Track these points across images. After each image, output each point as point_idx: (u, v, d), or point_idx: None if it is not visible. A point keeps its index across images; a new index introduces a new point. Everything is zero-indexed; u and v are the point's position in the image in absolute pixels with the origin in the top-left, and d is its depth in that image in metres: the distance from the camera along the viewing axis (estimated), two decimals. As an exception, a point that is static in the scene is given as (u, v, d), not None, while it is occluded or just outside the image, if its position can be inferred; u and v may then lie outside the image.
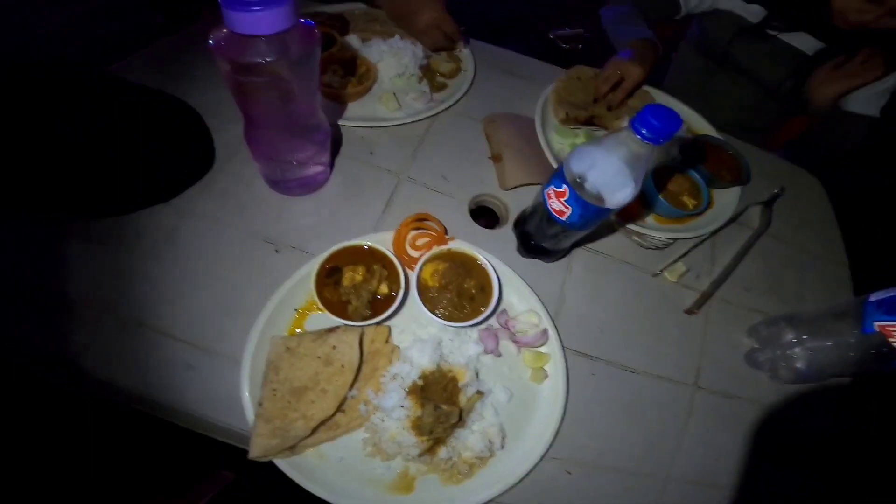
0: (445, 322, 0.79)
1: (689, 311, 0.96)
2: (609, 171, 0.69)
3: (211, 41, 0.63)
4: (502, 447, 0.78)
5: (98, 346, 0.74)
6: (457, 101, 1.11)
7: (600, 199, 0.71)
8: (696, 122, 1.21)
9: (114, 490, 1.05)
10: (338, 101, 1.04)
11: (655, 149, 0.65)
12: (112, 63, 1.02)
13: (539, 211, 0.84)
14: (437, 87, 1.11)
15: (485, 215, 1.04)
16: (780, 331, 0.93)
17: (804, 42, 1.27)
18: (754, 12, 1.30)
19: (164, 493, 1.18)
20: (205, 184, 0.92)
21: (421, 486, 0.74)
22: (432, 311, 0.79)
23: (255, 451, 0.68)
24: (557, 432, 0.79)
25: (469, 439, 0.76)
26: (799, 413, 0.93)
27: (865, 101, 1.26)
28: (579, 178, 0.72)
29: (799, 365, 0.89)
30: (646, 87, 1.21)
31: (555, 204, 0.78)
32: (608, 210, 0.73)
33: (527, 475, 0.76)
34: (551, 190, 0.78)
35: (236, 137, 0.83)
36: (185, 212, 0.88)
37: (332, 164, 0.97)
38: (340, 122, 1.02)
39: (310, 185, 0.93)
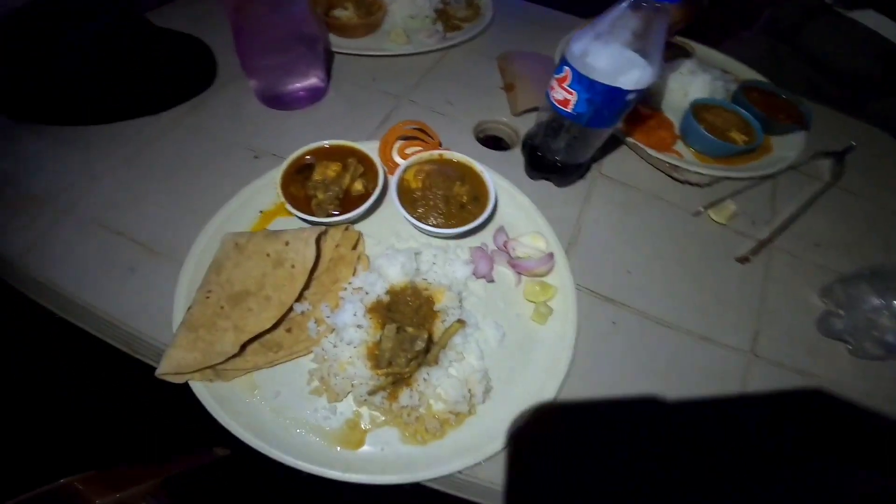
0: (425, 225, 0.59)
1: (743, 259, 0.71)
2: (615, 44, 0.53)
3: None
4: (484, 401, 0.54)
5: (45, 245, 0.63)
6: (471, 39, 0.98)
7: (609, 76, 0.53)
8: (745, 74, 0.98)
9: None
10: (345, 35, 0.92)
11: (668, 13, 0.50)
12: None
13: (545, 118, 0.65)
14: (451, 29, 0.98)
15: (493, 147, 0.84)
16: (863, 293, 0.66)
17: (885, 26, 1.02)
18: None
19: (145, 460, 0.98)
20: (198, 101, 0.82)
21: (374, 441, 0.51)
22: (411, 215, 0.59)
23: (166, 365, 0.51)
24: (559, 391, 0.55)
25: (443, 384, 0.53)
26: (887, 397, 0.63)
27: None
28: (581, 54, 0.55)
29: (889, 338, 0.62)
30: (684, 39, 1.01)
31: (558, 93, 0.60)
32: (622, 93, 0.55)
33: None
34: (553, 81, 0.61)
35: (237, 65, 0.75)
36: (171, 123, 0.78)
37: (328, 82, 0.84)
38: (345, 51, 0.90)
39: (303, 100, 0.81)
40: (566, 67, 0.57)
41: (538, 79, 0.84)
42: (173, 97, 0.81)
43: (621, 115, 0.59)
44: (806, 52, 1.12)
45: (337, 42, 0.90)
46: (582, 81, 0.55)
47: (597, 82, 0.54)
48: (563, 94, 0.58)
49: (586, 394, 0.57)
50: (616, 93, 0.54)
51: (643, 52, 0.53)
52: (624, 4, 0.51)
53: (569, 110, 0.59)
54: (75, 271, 0.60)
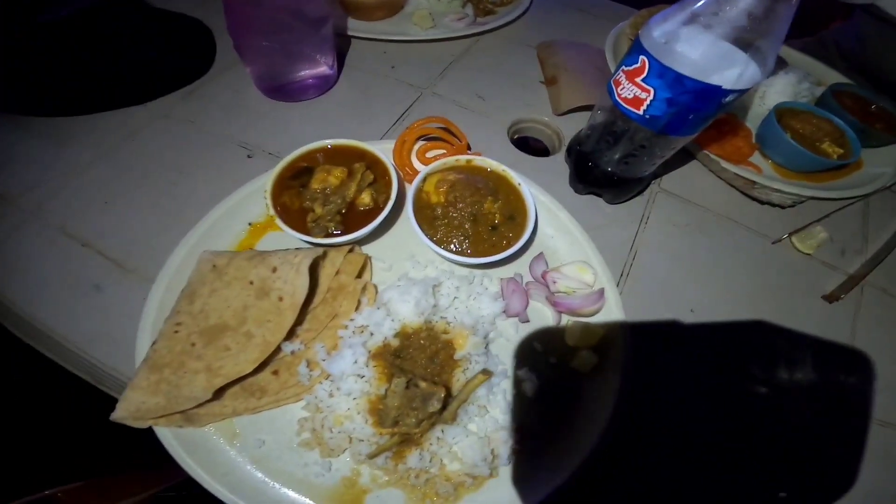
0: (447, 253, 0.44)
1: (831, 297, 0.55)
2: (718, 30, 0.38)
3: None
4: (509, 462, 0.42)
5: (1, 254, 0.51)
6: (506, 24, 0.82)
7: (702, 71, 0.38)
8: (827, 75, 0.79)
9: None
10: (362, 16, 0.77)
11: None
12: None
13: (601, 119, 0.49)
14: (483, 13, 0.81)
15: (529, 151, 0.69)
16: None
17: None
18: None
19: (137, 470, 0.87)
20: (190, 90, 0.69)
21: (374, 502, 0.40)
22: (430, 237, 0.45)
23: (122, 409, 0.39)
24: (596, 452, 0.41)
25: (461, 444, 0.41)
26: None
27: None
28: (665, 41, 0.40)
29: None
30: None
31: (627, 91, 0.44)
32: (719, 93, 0.40)
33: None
34: (621, 74, 0.46)
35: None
36: (158, 114, 0.65)
37: (338, 70, 0.70)
38: (361, 35, 0.76)
39: (308, 90, 0.67)
40: (642, 57, 0.42)
41: (586, 72, 0.68)
42: (164, 85, 0.68)
43: (708, 122, 0.44)
44: (866, 67, 0.92)
45: (352, 24, 0.76)
46: (665, 76, 0.40)
47: (687, 78, 0.39)
48: (634, 91, 0.43)
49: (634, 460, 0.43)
50: (711, 93, 0.39)
51: (755, 45, 0.38)
52: None
53: (639, 112, 0.44)
54: (33, 287, 0.49)
